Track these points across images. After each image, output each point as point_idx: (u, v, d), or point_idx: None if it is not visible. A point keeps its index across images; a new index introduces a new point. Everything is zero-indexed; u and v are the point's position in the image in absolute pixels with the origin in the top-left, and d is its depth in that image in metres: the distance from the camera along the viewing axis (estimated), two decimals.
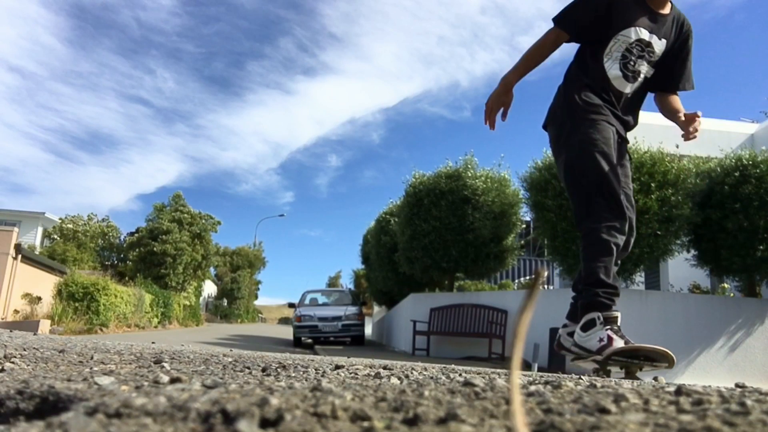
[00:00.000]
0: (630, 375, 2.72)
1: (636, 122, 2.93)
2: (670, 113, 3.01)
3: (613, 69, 2.73)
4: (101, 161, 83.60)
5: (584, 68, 2.80)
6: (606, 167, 2.62)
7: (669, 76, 2.93)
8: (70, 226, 27.01)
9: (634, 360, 2.63)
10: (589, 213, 2.66)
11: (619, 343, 2.55)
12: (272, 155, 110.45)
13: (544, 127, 2.97)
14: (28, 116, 69.85)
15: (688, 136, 2.80)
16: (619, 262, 2.83)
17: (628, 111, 2.85)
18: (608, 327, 2.61)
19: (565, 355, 2.97)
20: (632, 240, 2.84)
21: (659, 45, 2.76)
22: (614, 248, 2.62)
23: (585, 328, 2.67)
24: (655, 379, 2.59)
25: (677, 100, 3.03)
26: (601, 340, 2.60)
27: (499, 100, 2.87)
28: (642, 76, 2.79)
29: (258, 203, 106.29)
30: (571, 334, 2.83)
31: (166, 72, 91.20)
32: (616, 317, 2.67)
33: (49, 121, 71.77)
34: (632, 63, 2.75)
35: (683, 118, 2.85)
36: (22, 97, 66.71)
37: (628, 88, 2.77)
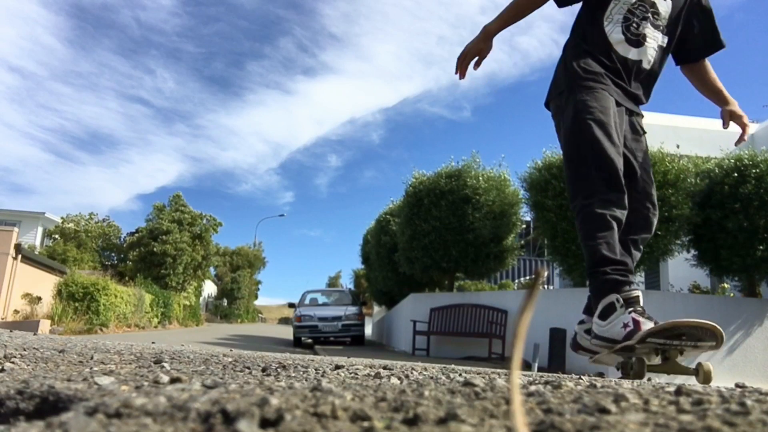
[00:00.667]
0: (670, 364, 2.30)
1: (647, 98, 2.66)
2: (710, 93, 2.80)
3: (614, 33, 2.50)
4: (101, 161, 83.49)
5: (583, 35, 2.58)
6: (601, 137, 2.34)
7: (687, 42, 2.69)
8: (71, 225, 27.02)
9: (673, 342, 2.18)
10: (582, 188, 2.38)
11: (648, 325, 2.16)
12: (272, 155, 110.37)
13: (546, 104, 2.73)
14: (28, 116, 69.79)
15: (738, 140, 2.79)
16: (641, 246, 2.54)
17: (639, 83, 2.59)
18: (631, 309, 2.22)
19: (584, 355, 2.61)
20: (655, 220, 2.58)
21: (664, 6, 2.56)
22: (613, 222, 2.30)
23: (603, 315, 2.27)
24: (697, 372, 2.23)
25: (713, 77, 2.83)
26: (626, 325, 2.20)
27: (477, 47, 2.63)
28: (651, 42, 2.54)
29: (258, 203, 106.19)
30: (588, 332, 2.46)
31: (166, 72, 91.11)
32: (638, 296, 2.26)
33: (49, 121, 71.70)
34: (635, 25, 2.51)
35: (729, 109, 2.66)
36: (22, 97, 66.66)
37: (633, 54, 2.52)
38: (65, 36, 71.58)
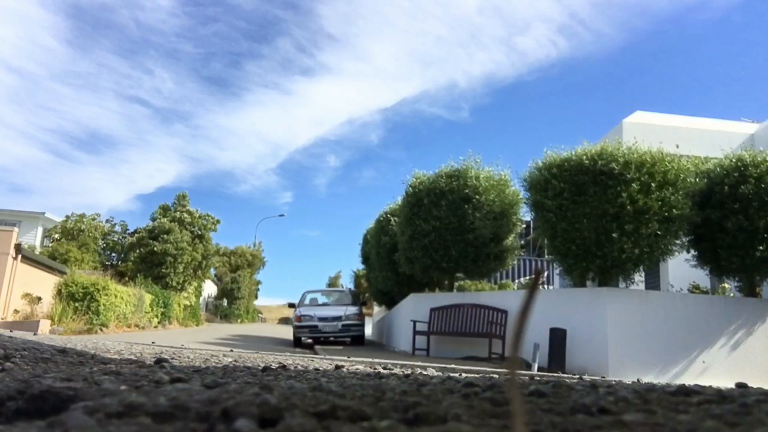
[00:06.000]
0: None
1: None
2: None
3: None
4: (100, 161, 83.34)
5: None
6: None
7: None
8: (75, 224, 27.01)
9: None
10: None
11: None
12: (271, 155, 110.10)
13: None
14: (27, 116, 69.70)
15: None
16: None
17: None
18: None
19: None
20: None
21: None
22: None
23: None
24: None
25: None
26: None
27: None
28: None
29: (257, 203, 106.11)
30: None
31: (165, 72, 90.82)
32: None
33: (48, 121, 71.59)
34: None
35: None
36: (21, 97, 66.56)
37: None
38: (64, 36, 71.46)
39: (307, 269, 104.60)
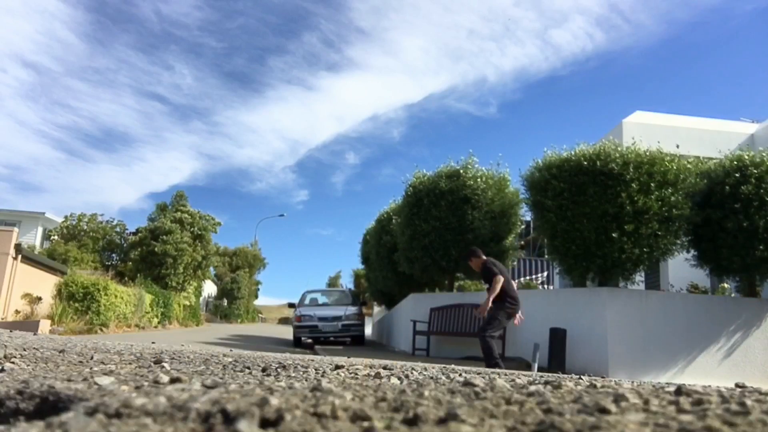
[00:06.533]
0: None
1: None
2: None
3: None
4: (114, 159, 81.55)
5: None
6: None
7: None
8: (74, 223, 27.02)
9: None
10: None
11: None
12: (289, 153, 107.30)
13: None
14: (41, 113, 68.68)
15: None
16: None
17: None
18: None
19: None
20: None
21: None
22: None
23: None
24: None
25: None
26: None
27: None
28: None
29: (272, 202, 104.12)
30: None
31: (185, 68, 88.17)
32: None
33: (63, 118, 70.23)
34: None
35: None
36: (37, 93, 65.39)
37: None
38: (83, 31, 69.94)
39: (307, 270, 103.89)
